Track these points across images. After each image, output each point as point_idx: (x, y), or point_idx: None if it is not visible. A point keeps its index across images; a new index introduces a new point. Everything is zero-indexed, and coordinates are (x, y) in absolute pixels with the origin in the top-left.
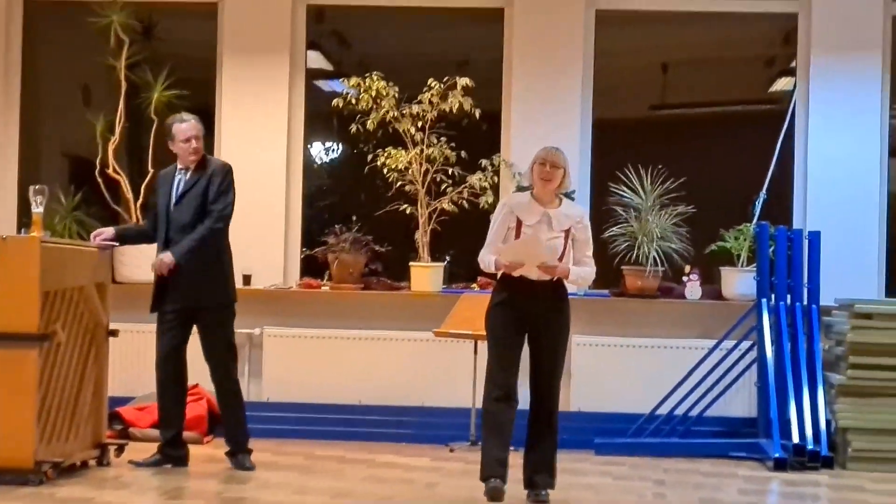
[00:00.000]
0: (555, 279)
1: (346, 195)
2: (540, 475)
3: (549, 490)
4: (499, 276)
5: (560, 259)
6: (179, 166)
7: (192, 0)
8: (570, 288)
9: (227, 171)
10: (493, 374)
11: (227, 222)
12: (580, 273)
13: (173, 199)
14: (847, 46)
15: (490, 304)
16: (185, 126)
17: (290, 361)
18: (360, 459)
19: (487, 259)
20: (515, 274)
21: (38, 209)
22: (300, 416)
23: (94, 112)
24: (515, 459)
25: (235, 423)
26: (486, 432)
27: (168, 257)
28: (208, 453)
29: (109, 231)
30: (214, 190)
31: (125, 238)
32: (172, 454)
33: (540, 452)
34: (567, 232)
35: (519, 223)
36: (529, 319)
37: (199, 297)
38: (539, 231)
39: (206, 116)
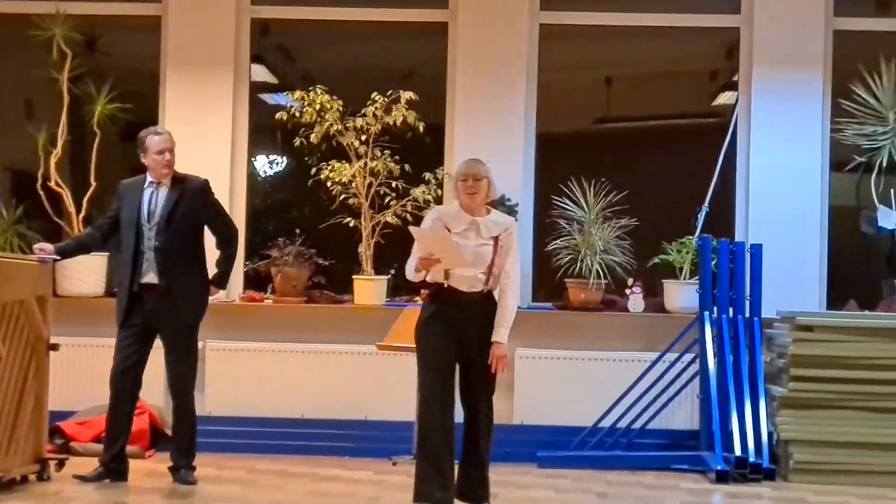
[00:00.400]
0: (485, 291)
1: (289, 208)
2: (474, 489)
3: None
4: (430, 290)
5: (490, 267)
6: (150, 179)
7: (136, 13)
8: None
9: (209, 187)
10: (425, 392)
11: None
12: (508, 319)
13: (145, 214)
14: (789, 60)
15: (419, 319)
16: (159, 139)
17: (233, 375)
18: (302, 473)
19: (410, 265)
20: (445, 284)
21: None
22: (243, 430)
23: (37, 125)
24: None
25: (188, 439)
26: (420, 453)
27: (218, 292)
28: (150, 468)
29: (50, 247)
30: (213, 212)
31: (66, 253)
32: (115, 468)
33: (474, 467)
34: (496, 240)
35: (448, 233)
36: (460, 333)
37: (170, 313)
38: (467, 238)
39: None
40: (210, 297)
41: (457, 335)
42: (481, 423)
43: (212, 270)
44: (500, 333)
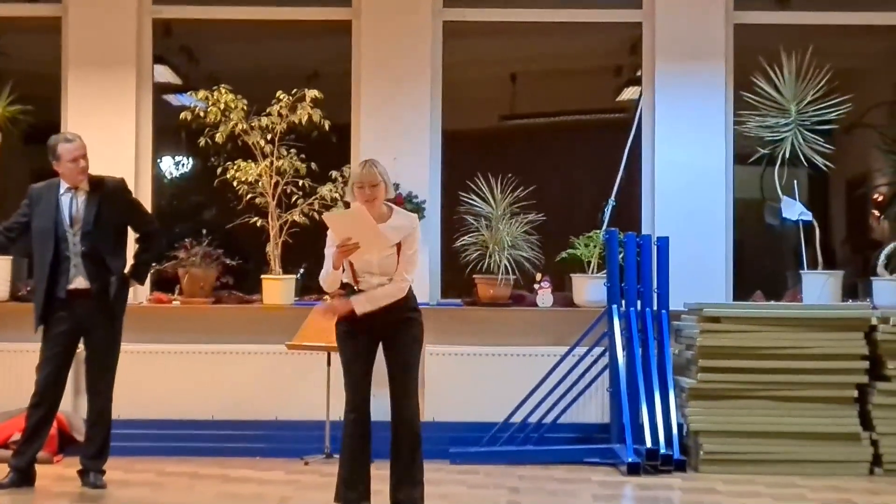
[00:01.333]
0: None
1: (196, 209)
2: (403, 490)
3: None
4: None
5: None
6: (67, 185)
7: (35, 14)
8: (420, 297)
9: (125, 185)
10: (347, 392)
11: None
12: (385, 293)
13: (66, 220)
14: (691, 55)
15: (337, 326)
16: (72, 146)
17: (141, 377)
18: (213, 475)
19: (325, 268)
20: (356, 288)
21: None
22: (151, 432)
23: None
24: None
25: (101, 442)
26: (342, 454)
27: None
28: (58, 472)
29: None
30: (134, 209)
31: None
32: (27, 473)
33: (402, 467)
34: (399, 247)
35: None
36: (378, 334)
37: (101, 315)
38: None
39: (51, 131)
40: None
41: (375, 335)
42: (408, 423)
43: None
44: (359, 299)
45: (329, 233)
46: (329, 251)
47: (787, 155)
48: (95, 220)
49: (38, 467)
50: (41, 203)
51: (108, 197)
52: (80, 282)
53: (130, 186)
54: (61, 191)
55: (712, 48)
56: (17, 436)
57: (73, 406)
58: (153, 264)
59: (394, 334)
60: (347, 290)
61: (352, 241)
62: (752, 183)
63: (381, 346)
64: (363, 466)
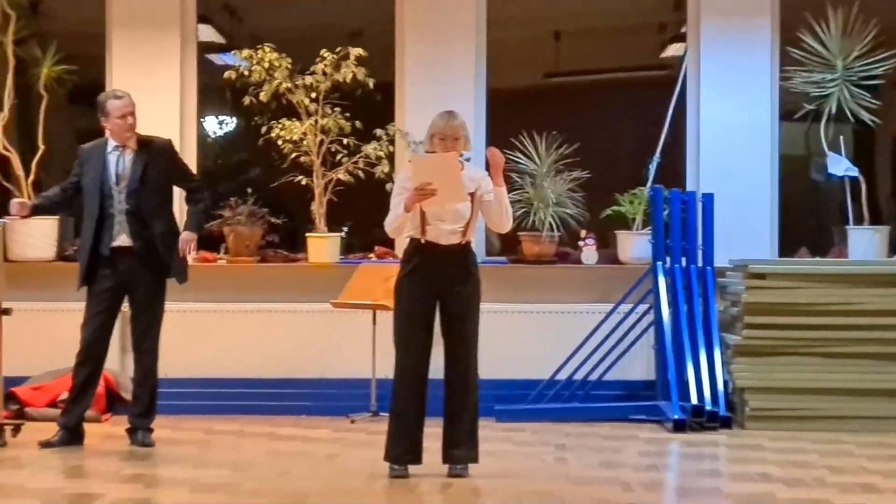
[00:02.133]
0: (463, 243)
1: (241, 168)
2: (459, 449)
3: (469, 464)
4: (406, 244)
5: (466, 225)
6: (115, 143)
7: None
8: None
9: (172, 145)
10: (401, 349)
11: None
12: (507, 203)
13: (113, 177)
14: (736, 10)
15: (398, 276)
16: (120, 103)
17: (188, 336)
18: (259, 433)
19: (392, 214)
20: (423, 240)
21: None
22: (198, 391)
23: None
24: (434, 429)
25: (149, 400)
26: (393, 413)
27: (192, 235)
28: (107, 431)
29: (28, 203)
30: (180, 169)
31: (40, 210)
32: (75, 432)
33: (457, 425)
34: (472, 195)
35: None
36: (439, 287)
37: (145, 273)
38: None
39: (96, 92)
40: (185, 246)
41: (436, 289)
42: (463, 378)
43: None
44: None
45: (399, 178)
46: (397, 199)
47: (833, 110)
48: (141, 179)
49: (86, 426)
50: (90, 161)
51: (155, 156)
52: (123, 239)
53: (175, 146)
54: (109, 149)
55: (758, 3)
56: (64, 395)
57: (119, 365)
58: (205, 218)
59: (453, 289)
60: (410, 242)
61: (431, 187)
62: (797, 139)
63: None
64: (416, 424)
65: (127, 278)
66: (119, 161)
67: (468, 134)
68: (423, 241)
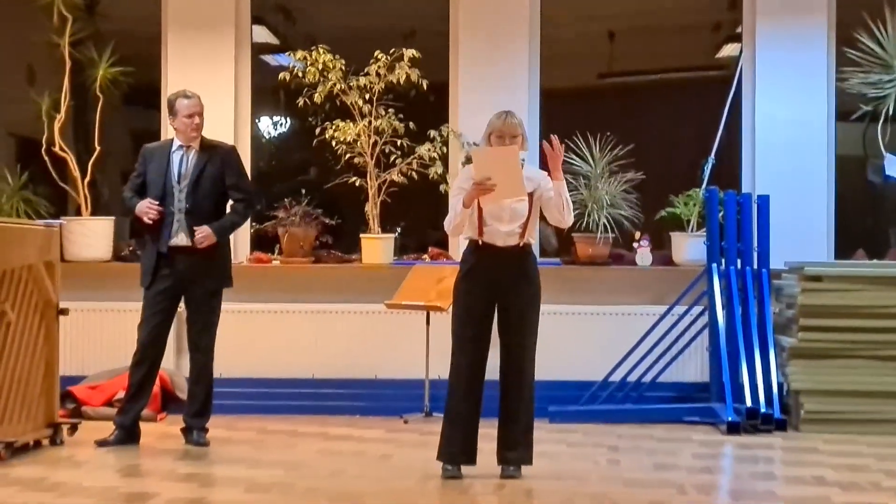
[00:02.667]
0: (521, 244)
1: (295, 168)
2: (513, 451)
3: (523, 465)
4: (466, 245)
5: (525, 225)
6: (179, 143)
7: None
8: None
9: (237, 153)
10: (457, 349)
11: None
12: (567, 198)
13: (175, 176)
14: (792, 10)
15: (457, 276)
16: (189, 102)
17: (242, 336)
18: (313, 433)
19: (451, 213)
20: (480, 241)
21: None
22: (252, 391)
23: (39, 91)
24: (488, 430)
25: (204, 400)
26: (448, 413)
27: (210, 235)
28: (162, 430)
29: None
30: (234, 173)
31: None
32: (131, 431)
33: (512, 427)
34: (531, 195)
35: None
36: (498, 289)
37: (202, 273)
38: None
39: (152, 93)
40: (199, 237)
41: (495, 290)
42: (518, 380)
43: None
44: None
45: (457, 180)
46: (455, 199)
47: (891, 111)
48: (199, 179)
49: (142, 425)
50: (154, 159)
51: (218, 159)
52: (181, 238)
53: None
54: (173, 148)
55: (814, 3)
56: (121, 394)
57: (175, 365)
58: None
59: (511, 291)
60: (468, 244)
61: (491, 182)
62: (854, 140)
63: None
64: (471, 425)
65: (184, 278)
66: (182, 160)
67: (525, 133)
68: (480, 242)
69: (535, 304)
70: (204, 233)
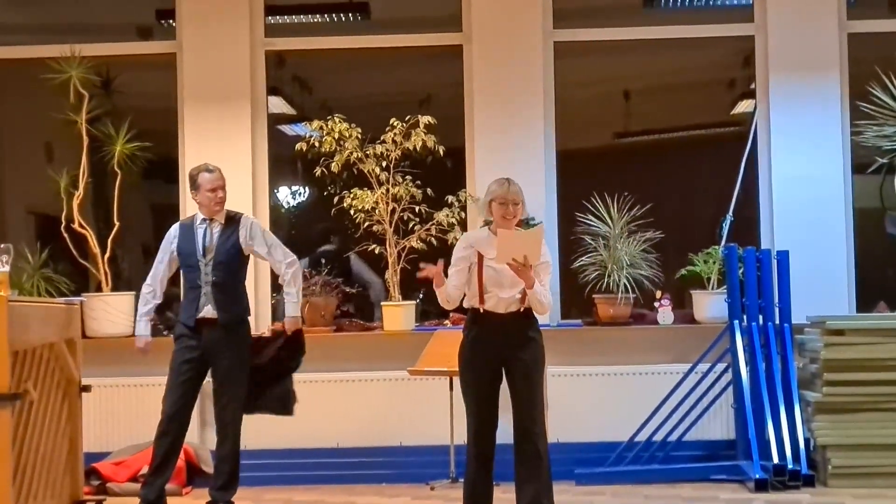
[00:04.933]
0: (522, 310)
1: (315, 238)
2: None
3: None
4: (467, 315)
5: (524, 292)
6: (203, 217)
7: (150, 52)
8: (542, 318)
9: (259, 223)
10: (469, 417)
11: None
12: (542, 290)
13: (200, 250)
14: (805, 66)
15: (461, 346)
16: (211, 177)
17: None
18: (340, 502)
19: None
20: (482, 309)
21: (3, 268)
22: (278, 462)
23: (57, 168)
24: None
25: (231, 473)
26: (469, 480)
27: (296, 320)
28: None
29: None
30: (262, 243)
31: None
32: None
33: (529, 491)
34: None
35: (480, 258)
36: (501, 355)
37: (228, 345)
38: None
39: (170, 167)
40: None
41: (498, 357)
42: (529, 443)
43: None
44: (538, 285)
45: (455, 250)
46: (453, 270)
47: None
48: (228, 252)
49: (168, 500)
50: (186, 235)
51: (240, 231)
52: (208, 311)
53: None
54: (197, 221)
55: (826, 58)
56: (145, 469)
57: (199, 438)
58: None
59: (516, 356)
60: (470, 312)
61: (517, 261)
62: (871, 192)
63: (503, 371)
64: (483, 491)
65: (211, 349)
66: (206, 234)
67: (524, 197)
68: (482, 310)
69: (540, 366)
70: (292, 325)
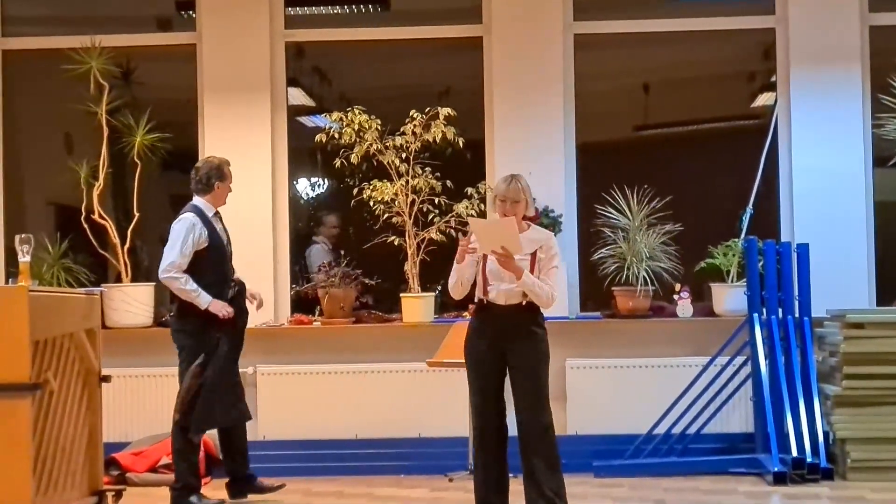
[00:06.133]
0: (524, 303)
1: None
2: (539, 502)
3: None
4: (473, 304)
5: None
6: (213, 210)
7: (170, 43)
8: (560, 312)
9: None
10: (474, 408)
11: None
12: (535, 282)
13: (226, 241)
14: (826, 58)
15: (466, 336)
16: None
17: (285, 399)
18: (359, 494)
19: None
20: (485, 300)
21: (24, 258)
22: (297, 453)
23: (77, 159)
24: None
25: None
26: (476, 468)
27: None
28: (206, 494)
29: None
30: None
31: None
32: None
33: (535, 479)
34: (533, 255)
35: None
36: (503, 346)
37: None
38: None
39: (190, 158)
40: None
41: (500, 347)
42: (530, 434)
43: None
44: (527, 274)
45: (463, 241)
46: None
47: None
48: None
49: None
50: (208, 226)
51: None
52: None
53: (268, 208)
54: (210, 214)
55: (847, 51)
56: (165, 459)
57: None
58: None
59: (518, 347)
60: (476, 303)
61: (496, 250)
62: (892, 186)
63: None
64: (496, 481)
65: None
66: (222, 225)
67: (530, 196)
68: (485, 301)
69: (542, 357)
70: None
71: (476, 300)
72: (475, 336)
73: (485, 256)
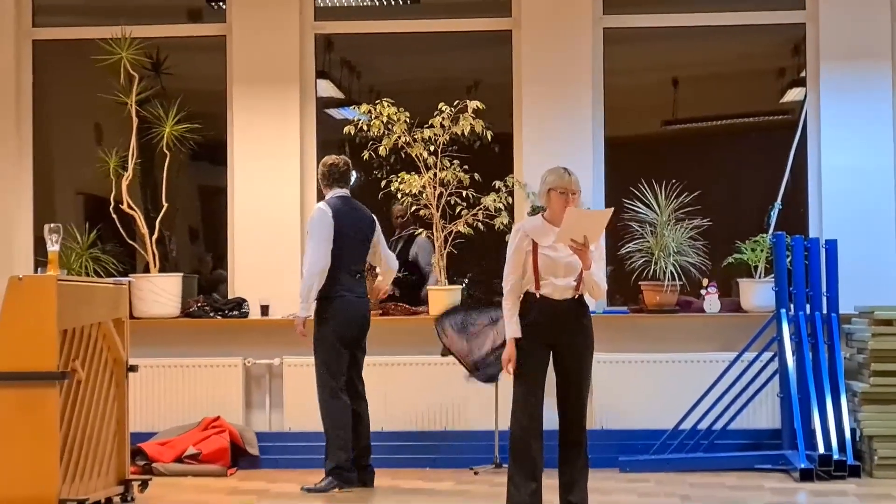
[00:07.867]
0: (577, 296)
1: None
2: (573, 496)
3: None
4: (522, 296)
5: (580, 277)
6: None
7: (200, 34)
8: (590, 304)
9: None
10: (519, 401)
11: None
12: (600, 276)
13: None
14: (856, 55)
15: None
16: None
17: (311, 391)
18: (384, 486)
19: (508, 279)
20: (538, 294)
21: (53, 247)
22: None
23: (107, 149)
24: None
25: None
26: (514, 464)
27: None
28: (232, 485)
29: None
30: None
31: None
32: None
33: (571, 475)
34: None
35: (535, 246)
36: (553, 340)
37: None
38: (557, 250)
39: (219, 149)
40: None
41: (550, 343)
42: (576, 430)
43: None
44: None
45: (514, 243)
46: (512, 262)
47: None
48: None
49: (209, 480)
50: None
51: None
52: None
53: (296, 200)
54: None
55: (878, 47)
56: (191, 450)
57: (244, 420)
58: None
59: (568, 340)
60: (526, 296)
61: (579, 242)
62: None
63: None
64: (533, 476)
65: None
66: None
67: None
68: (538, 294)
69: (590, 354)
70: None
71: (526, 294)
72: (526, 331)
73: (535, 253)
